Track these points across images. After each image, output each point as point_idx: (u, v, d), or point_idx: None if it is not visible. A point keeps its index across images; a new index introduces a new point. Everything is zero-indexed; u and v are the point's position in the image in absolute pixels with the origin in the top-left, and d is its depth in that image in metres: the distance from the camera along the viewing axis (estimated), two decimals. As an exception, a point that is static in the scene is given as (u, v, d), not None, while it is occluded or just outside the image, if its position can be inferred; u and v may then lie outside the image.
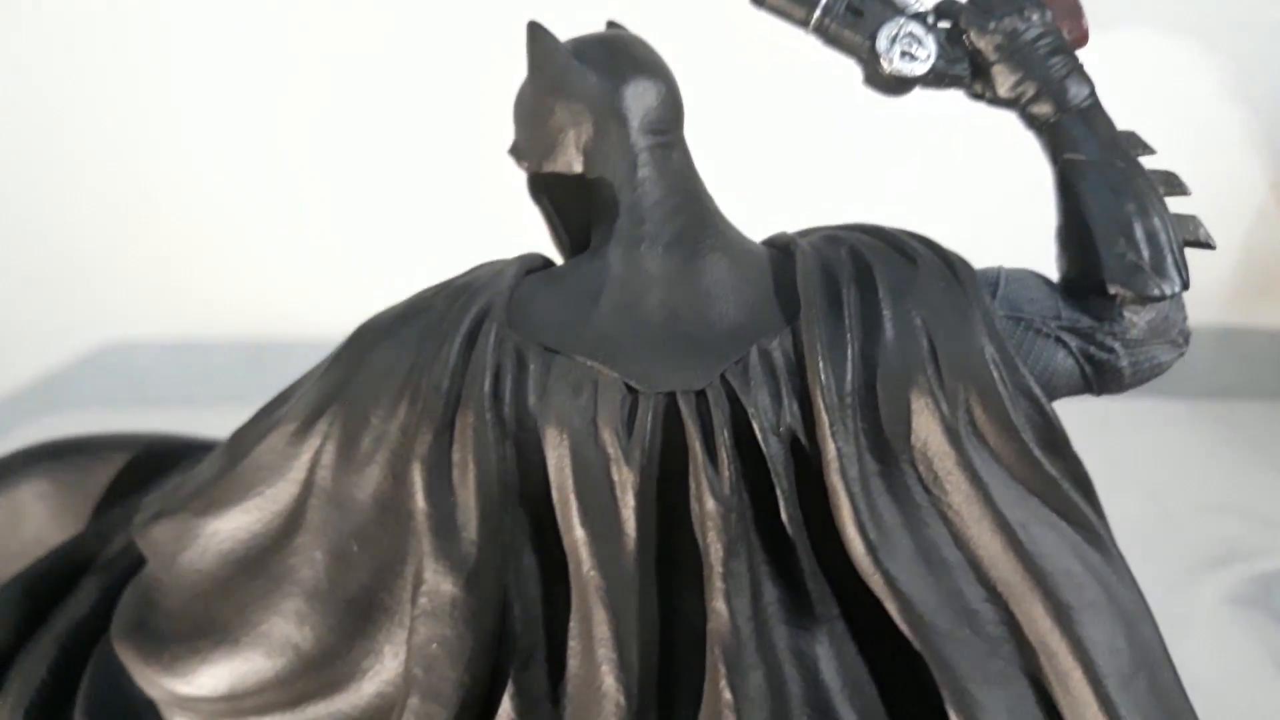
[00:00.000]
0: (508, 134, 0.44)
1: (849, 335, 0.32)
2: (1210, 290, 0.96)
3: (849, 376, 0.31)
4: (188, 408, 0.93)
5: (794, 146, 0.85)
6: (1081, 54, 0.43)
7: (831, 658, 0.32)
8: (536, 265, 0.39)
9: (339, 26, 0.89)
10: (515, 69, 0.45)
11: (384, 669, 0.34)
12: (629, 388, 0.32)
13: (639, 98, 0.39)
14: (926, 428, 0.31)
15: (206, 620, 0.36)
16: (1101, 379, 0.35)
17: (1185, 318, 0.38)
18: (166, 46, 0.90)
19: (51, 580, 0.43)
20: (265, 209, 0.97)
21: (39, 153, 0.93)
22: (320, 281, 0.98)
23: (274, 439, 0.35)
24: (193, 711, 0.37)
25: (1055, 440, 0.32)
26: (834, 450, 0.31)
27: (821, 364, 0.32)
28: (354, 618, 0.34)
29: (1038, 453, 0.32)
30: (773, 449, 0.31)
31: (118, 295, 1.01)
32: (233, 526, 0.36)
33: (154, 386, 1.04)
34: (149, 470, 0.47)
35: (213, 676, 0.35)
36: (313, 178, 0.96)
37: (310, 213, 0.96)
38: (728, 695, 0.30)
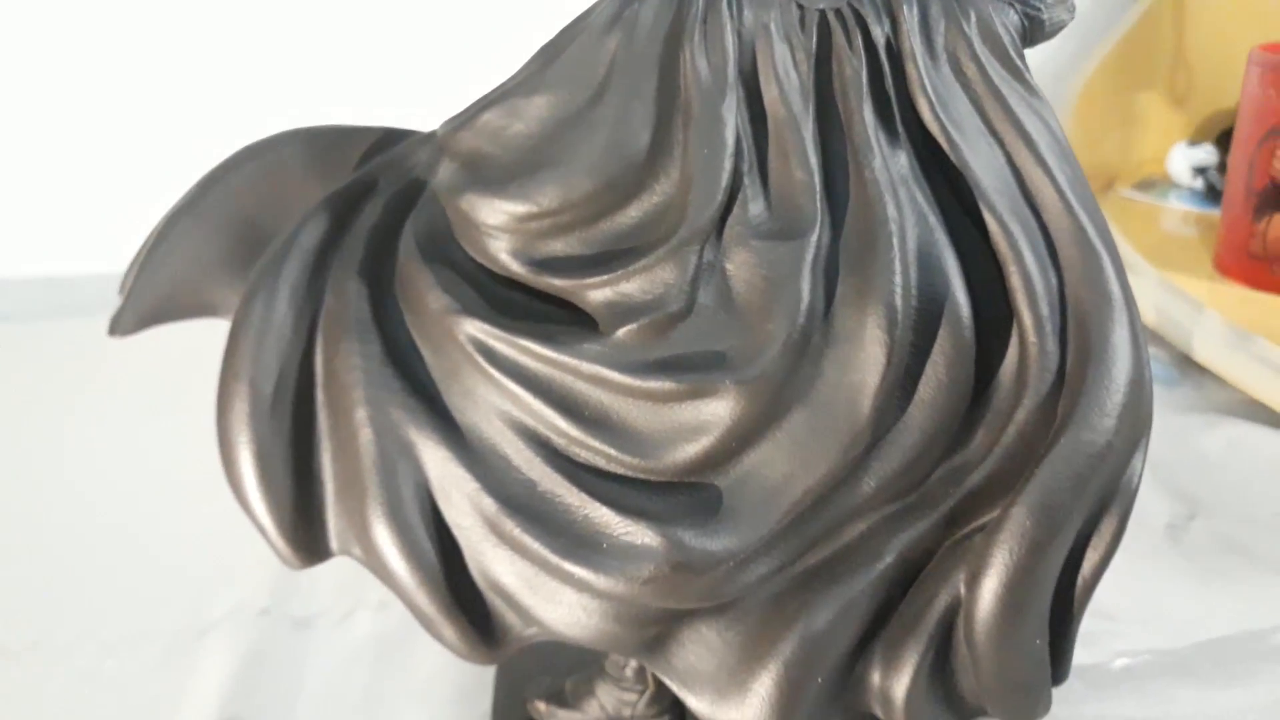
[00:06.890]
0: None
1: None
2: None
3: (915, 11, 0.51)
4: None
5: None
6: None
7: (910, 179, 0.50)
8: None
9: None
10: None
11: (658, 186, 0.50)
12: (798, 4, 0.51)
13: None
14: (956, 39, 0.51)
15: (539, 159, 0.51)
16: (1032, 31, 0.55)
17: None
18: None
19: (345, 198, 0.52)
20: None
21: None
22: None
23: (583, 39, 0.51)
24: (516, 232, 0.51)
25: (1020, 52, 0.53)
26: (909, 47, 0.49)
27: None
28: (642, 150, 0.50)
29: (1013, 54, 0.52)
30: (880, 43, 0.50)
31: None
32: (556, 99, 0.51)
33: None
34: (386, 148, 0.55)
35: (549, 194, 0.50)
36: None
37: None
38: (868, 174, 0.48)
